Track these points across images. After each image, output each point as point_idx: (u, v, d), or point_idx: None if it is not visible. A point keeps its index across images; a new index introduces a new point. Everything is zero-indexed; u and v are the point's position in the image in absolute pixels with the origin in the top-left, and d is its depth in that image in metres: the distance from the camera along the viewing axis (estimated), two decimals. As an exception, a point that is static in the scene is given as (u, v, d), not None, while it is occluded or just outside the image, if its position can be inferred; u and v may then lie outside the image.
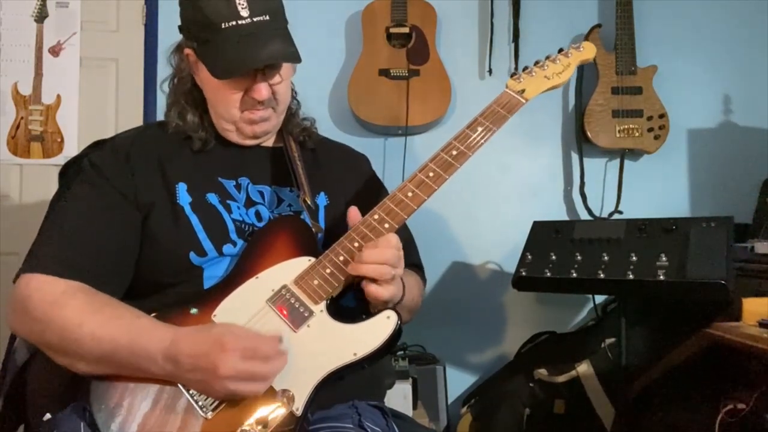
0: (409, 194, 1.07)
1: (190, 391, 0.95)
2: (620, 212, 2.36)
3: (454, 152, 1.10)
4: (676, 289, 1.62)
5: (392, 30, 2.35)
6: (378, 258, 1.01)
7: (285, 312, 1.01)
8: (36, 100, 2.40)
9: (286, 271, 1.05)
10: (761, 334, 1.37)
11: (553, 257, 1.87)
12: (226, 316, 1.00)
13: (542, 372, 2.05)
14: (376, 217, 1.06)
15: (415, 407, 1.98)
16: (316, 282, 1.02)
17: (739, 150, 2.43)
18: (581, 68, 2.40)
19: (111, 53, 2.46)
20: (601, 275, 1.74)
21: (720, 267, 1.58)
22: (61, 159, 2.36)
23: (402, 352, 2.17)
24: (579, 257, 1.82)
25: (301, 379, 0.96)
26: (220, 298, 1.02)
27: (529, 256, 1.93)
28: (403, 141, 2.36)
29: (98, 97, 2.43)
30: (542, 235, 1.98)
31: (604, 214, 2.39)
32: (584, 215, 2.40)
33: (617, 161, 2.40)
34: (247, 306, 1.01)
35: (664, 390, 1.81)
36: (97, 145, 1.20)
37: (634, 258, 1.72)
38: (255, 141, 1.21)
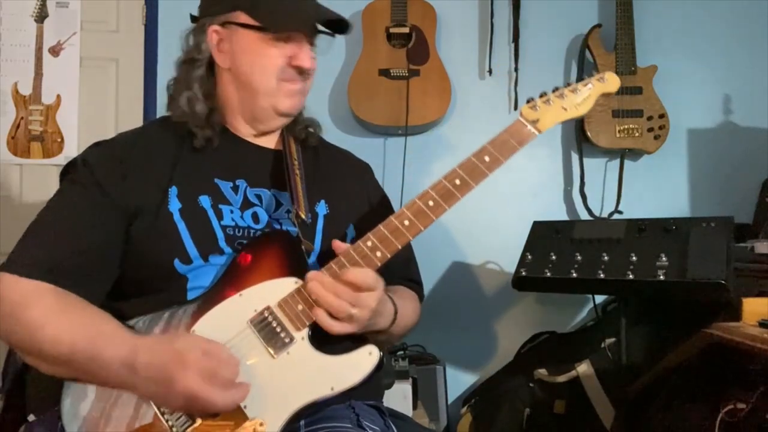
0: (406, 222, 1.03)
1: (161, 408, 0.93)
2: (620, 212, 2.36)
3: (458, 181, 1.05)
4: (676, 289, 1.62)
5: (392, 30, 2.35)
6: (335, 290, 0.98)
7: (265, 336, 0.98)
8: (36, 100, 2.40)
9: (271, 291, 1.01)
10: (761, 334, 1.36)
11: (553, 257, 1.87)
12: (204, 333, 0.97)
13: (542, 372, 2.04)
14: (369, 244, 1.02)
15: (415, 407, 1.98)
16: (300, 307, 1.00)
17: (739, 150, 2.43)
18: (581, 68, 2.40)
19: (111, 53, 2.46)
20: (601, 275, 1.74)
21: (720, 267, 1.58)
22: (62, 159, 2.36)
23: (402, 352, 2.16)
24: (579, 257, 1.82)
25: (274, 409, 0.94)
26: (201, 312, 1.00)
27: (529, 256, 1.92)
28: (403, 141, 2.36)
29: (98, 97, 2.44)
30: (542, 235, 1.98)
31: (604, 214, 2.39)
32: (584, 215, 2.40)
33: (617, 161, 2.40)
34: (228, 325, 0.98)
35: (664, 390, 1.81)
36: (97, 146, 1.18)
37: (634, 258, 1.72)
38: (285, 121, 1.19)
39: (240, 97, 1.16)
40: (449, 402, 2.22)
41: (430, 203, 1.04)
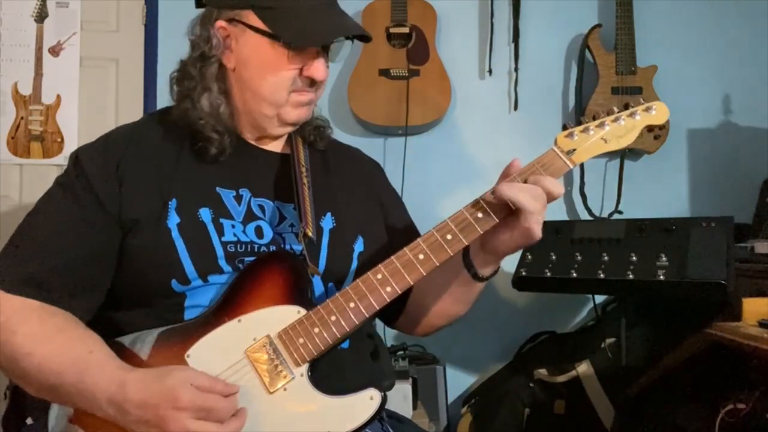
0: (421, 257, 0.97)
1: None
2: (620, 212, 2.36)
3: (480, 214, 0.97)
4: (676, 289, 1.62)
5: (392, 30, 2.35)
6: (531, 192, 0.94)
7: (263, 368, 0.94)
8: (36, 100, 2.40)
9: (272, 319, 0.96)
10: (761, 334, 1.37)
11: (553, 257, 1.87)
12: (200, 359, 0.93)
13: (542, 372, 2.04)
14: (379, 276, 0.97)
15: (415, 407, 1.98)
16: (301, 340, 0.94)
17: (739, 150, 2.43)
18: (581, 68, 2.40)
19: (111, 53, 2.45)
20: (601, 275, 1.74)
21: (720, 267, 1.58)
22: (61, 159, 2.36)
23: (402, 352, 2.16)
24: (579, 257, 1.82)
25: None
26: (197, 336, 0.95)
27: (529, 256, 1.92)
28: (403, 141, 2.36)
29: (98, 97, 2.43)
30: (542, 235, 1.97)
31: (604, 214, 2.39)
32: (584, 215, 2.40)
33: (617, 161, 2.40)
34: (224, 352, 0.94)
35: (664, 390, 1.81)
36: (92, 145, 1.11)
37: (634, 258, 1.72)
38: (289, 129, 1.12)
39: (243, 100, 1.08)
40: (449, 402, 2.22)
41: (449, 237, 0.98)
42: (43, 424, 0.98)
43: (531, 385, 2.06)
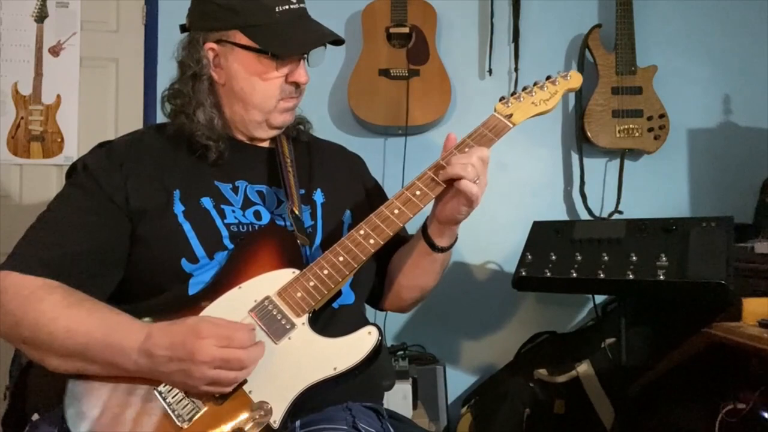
0: (396, 211, 1.09)
1: (167, 400, 0.95)
2: (620, 212, 2.36)
3: (441, 172, 1.11)
4: (676, 289, 1.62)
5: (392, 30, 2.35)
6: (465, 160, 1.08)
7: (266, 323, 1.01)
8: (36, 100, 2.40)
9: (270, 282, 1.05)
10: (761, 334, 1.37)
11: (553, 257, 1.87)
12: None
13: (542, 372, 2.04)
14: (361, 232, 1.08)
15: (415, 407, 1.98)
16: (299, 294, 1.03)
17: (739, 150, 2.43)
18: (581, 68, 2.40)
19: (111, 53, 2.46)
20: (601, 275, 1.74)
21: (720, 267, 1.58)
22: (61, 159, 2.36)
23: (402, 352, 2.17)
24: (579, 257, 1.82)
25: (279, 392, 0.96)
26: (203, 306, 1.02)
27: (529, 256, 1.92)
28: (403, 141, 2.36)
29: (98, 97, 2.44)
30: (542, 235, 1.98)
31: (604, 214, 2.39)
32: (584, 215, 2.40)
33: (617, 161, 2.40)
34: (229, 315, 1.01)
35: (664, 390, 1.81)
36: (101, 147, 1.20)
37: (634, 258, 1.72)
38: (276, 132, 1.24)
39: (233, 110, 1.20)
40: (449, 402, 2.22)
41: (417, 193, 1.10)
42: (53, 416, 0.99)
43: (531, 385, 2.06)
